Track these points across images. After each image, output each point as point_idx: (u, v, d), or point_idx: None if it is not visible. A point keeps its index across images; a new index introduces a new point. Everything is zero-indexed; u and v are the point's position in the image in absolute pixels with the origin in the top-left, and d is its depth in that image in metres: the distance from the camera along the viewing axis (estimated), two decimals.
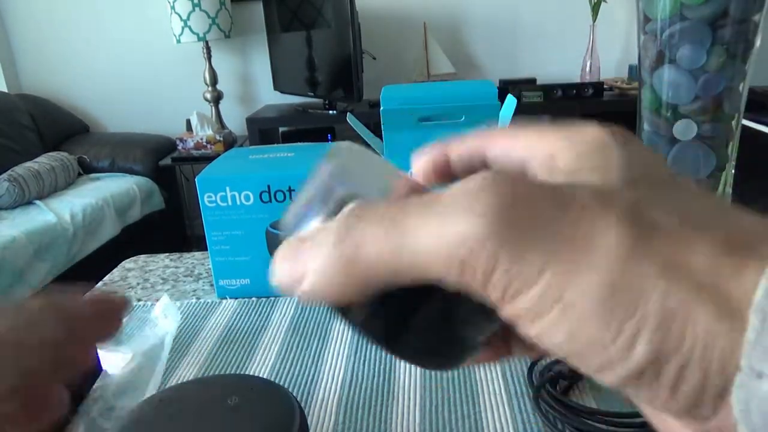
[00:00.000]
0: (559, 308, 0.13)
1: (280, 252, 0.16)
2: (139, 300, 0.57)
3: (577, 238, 0.13)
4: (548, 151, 0.16)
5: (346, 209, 0.15)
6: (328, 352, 0.46)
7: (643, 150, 0.16)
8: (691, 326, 0.12)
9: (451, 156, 0.19)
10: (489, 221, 0.13)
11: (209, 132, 2.43)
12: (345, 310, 0.17)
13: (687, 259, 0.12)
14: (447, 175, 0.19)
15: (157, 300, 0.47)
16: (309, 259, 0.15)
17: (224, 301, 0.55)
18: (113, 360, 0.43)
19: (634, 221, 0.13)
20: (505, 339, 0.19)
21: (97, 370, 0.41)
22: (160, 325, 0.47)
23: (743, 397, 0.12)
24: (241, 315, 0.53)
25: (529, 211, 0.13)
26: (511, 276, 0.13)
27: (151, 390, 0.40)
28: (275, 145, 0.57)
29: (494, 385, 0.42)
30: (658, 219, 0.13)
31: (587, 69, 2.41)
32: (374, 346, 0.18)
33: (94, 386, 0.40)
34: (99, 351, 0.42)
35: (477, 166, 0.19)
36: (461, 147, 0.19)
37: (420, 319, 0.16)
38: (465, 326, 0.17)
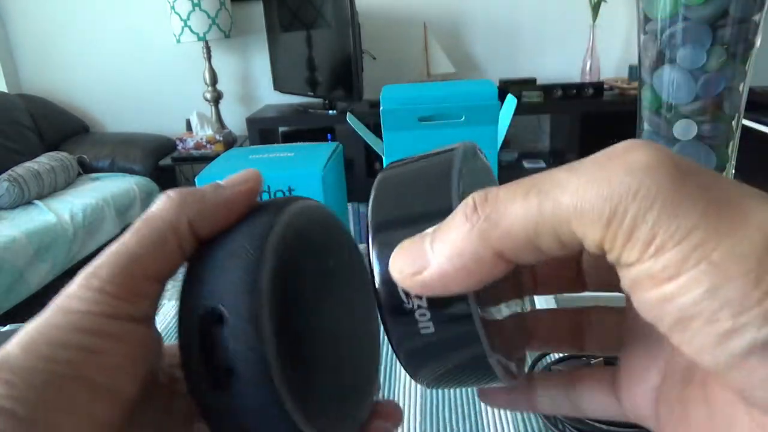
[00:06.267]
0: (702, 267, 0.13)
1: (399, 247, 0.16)
2: None
3: (732, 203, 0.13)
4: None
5: (468, 197, 0.15)
6: None
7: None
8: None
9: None
10: (643, 174, 0.13)
11: (209, 132, 2.43)
12: (447, 303, 0.16)
13: None
14: None
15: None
16: (435, 247, 0.15)
17: None
18: None
19: None
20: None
21: None
22: None
23: None
24: None
25: (682, 169, 0.13)
26: (658, 231, 0.13)
27: None
28: (275, 145, 0.56)
29: None
30: None
31: (587, 69, 2.41)
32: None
33: None
34: None
35: None
36: None
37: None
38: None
